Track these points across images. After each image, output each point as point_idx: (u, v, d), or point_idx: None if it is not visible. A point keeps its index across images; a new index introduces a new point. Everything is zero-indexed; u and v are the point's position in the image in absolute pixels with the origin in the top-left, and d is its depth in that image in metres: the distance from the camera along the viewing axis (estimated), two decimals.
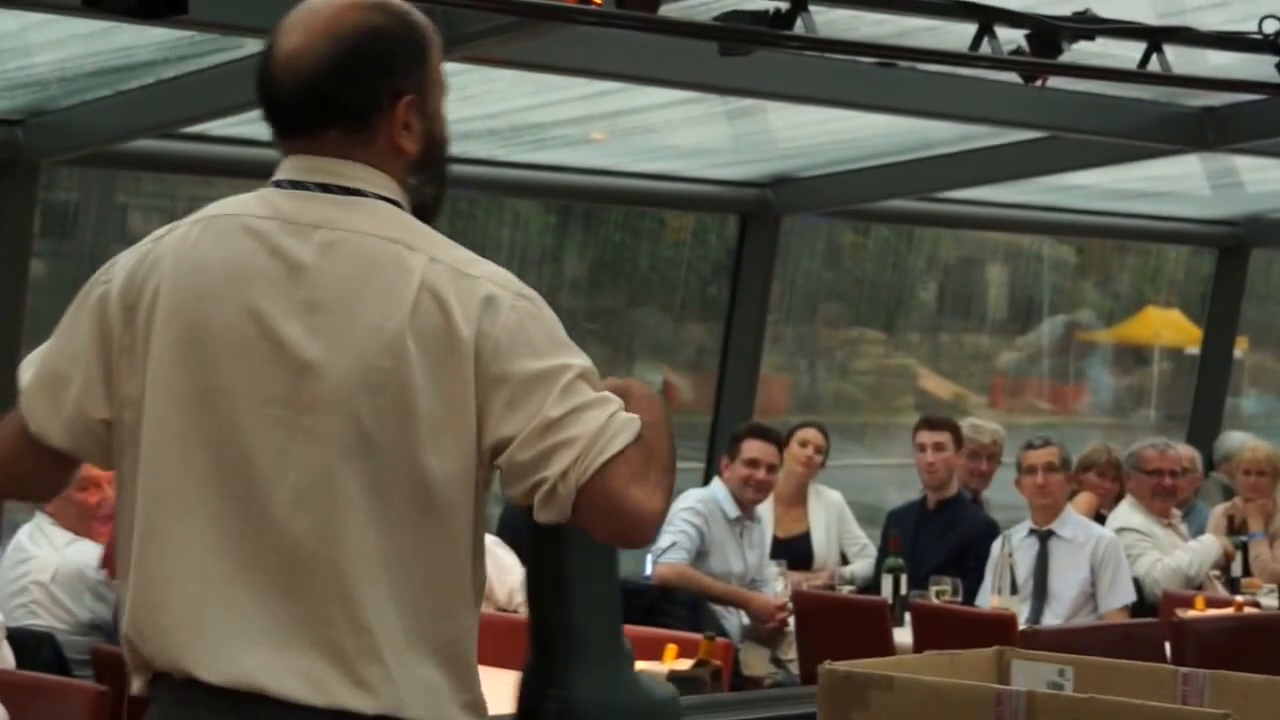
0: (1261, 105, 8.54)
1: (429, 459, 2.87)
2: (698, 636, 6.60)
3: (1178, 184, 11.02)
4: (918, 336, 13.70)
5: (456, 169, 9.39)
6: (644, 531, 2.89)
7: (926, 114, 8.10)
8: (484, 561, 2.98)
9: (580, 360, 2.88)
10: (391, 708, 2.86)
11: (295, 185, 2.98)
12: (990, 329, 14.74)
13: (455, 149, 9.22)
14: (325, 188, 2.97)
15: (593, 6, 5.20)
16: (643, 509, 2.85)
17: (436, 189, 3.04)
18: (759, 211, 10.06)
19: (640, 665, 6.06)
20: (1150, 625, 7.51)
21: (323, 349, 2.87)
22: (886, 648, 7.84)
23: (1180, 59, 6.70)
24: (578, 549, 3.09)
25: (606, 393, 2.89)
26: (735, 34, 5.67)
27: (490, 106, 8.19)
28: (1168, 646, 7.05)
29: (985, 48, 5.89)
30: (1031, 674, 3.63)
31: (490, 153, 9.00)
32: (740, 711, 5.27)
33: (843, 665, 3.50)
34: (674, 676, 5.91)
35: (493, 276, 2.90)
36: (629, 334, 11.61)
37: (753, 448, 8.66)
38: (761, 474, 8.63)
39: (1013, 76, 6.91)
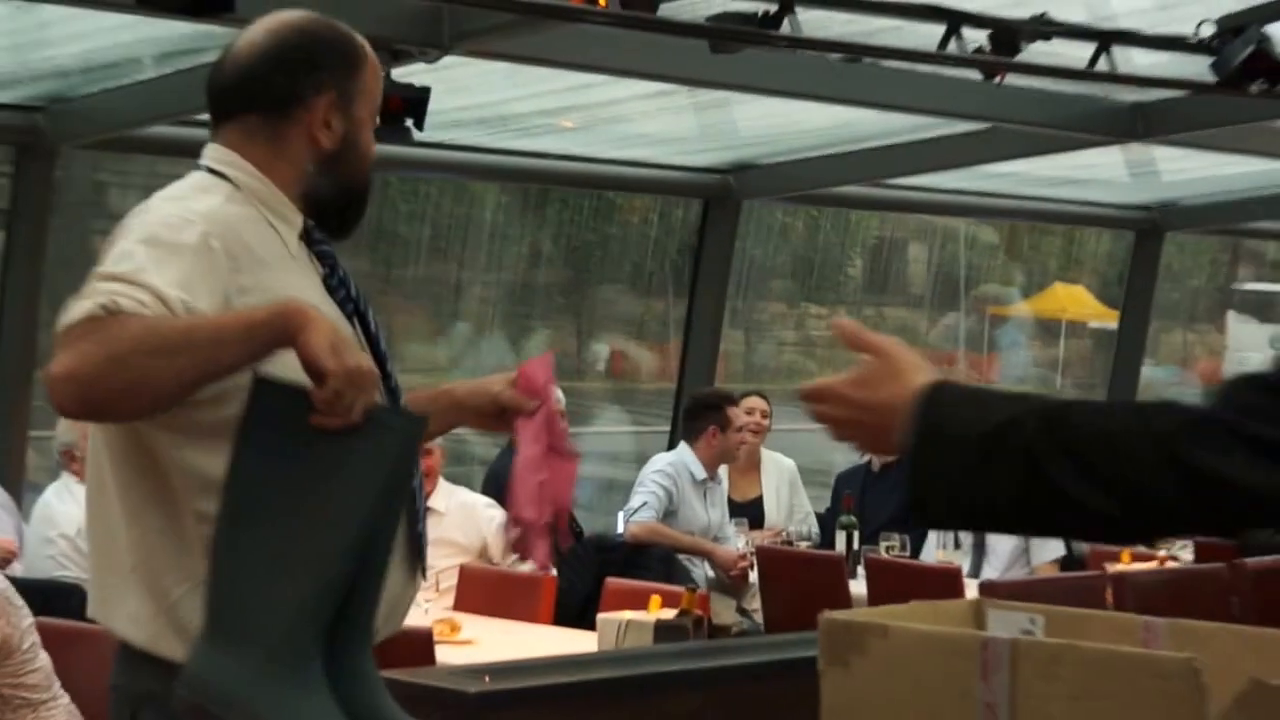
0: (1187, 101, 8.62)
1: None
2: (679, 589, 6.66)
3: (1100, 172, 11.09)
4: (848, 311, 13.77)
5: (447, 154, 9.39)
6: (50, 389, 2.68)
7: (885, 106, 8.15)
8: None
9: (121, 266, 2.74)
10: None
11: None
12: (913, 304, 14.81)
13: (446, 136, 9.20)
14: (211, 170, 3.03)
15: (599, 8, 5.23)
16: (51, 371, 2.66)
17: (335, 191, 3.03)
18: (721, 196, 10.08)
19: (627, 615, 6.18)
20: (1094, 577, 7.58)
21: None
22: (843, 598, 7.92)
23: (1120, 58, 6.79)
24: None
25: (99, 285, 2.71)
26: (727, 34, 5.72)
27: (479, 97, 8.22)
28: (1108, 596, 7.11)
29: (952, 47, 5.95)
30: (1006, 622, 3.60)
31: (477, 140, 9.03)
32: (724, 657, 5.28)
33: (841, 615, 3.51)
34: (661, 625, 5.95)
35: (155, 211, 2.88)
36: (595, 308, 11.64)
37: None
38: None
39: (962, 72, 6.97)
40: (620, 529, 8.76)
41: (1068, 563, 8.67)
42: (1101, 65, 6.31)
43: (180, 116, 7.46)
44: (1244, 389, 2.10)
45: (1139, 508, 2.15)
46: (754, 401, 9.29)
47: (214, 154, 3.04)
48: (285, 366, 2.75)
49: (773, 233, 12.24)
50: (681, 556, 8.56)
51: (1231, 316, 19.05)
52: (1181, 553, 8.73)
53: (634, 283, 11.46)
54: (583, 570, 7.98)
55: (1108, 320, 14.17)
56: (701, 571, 8.64)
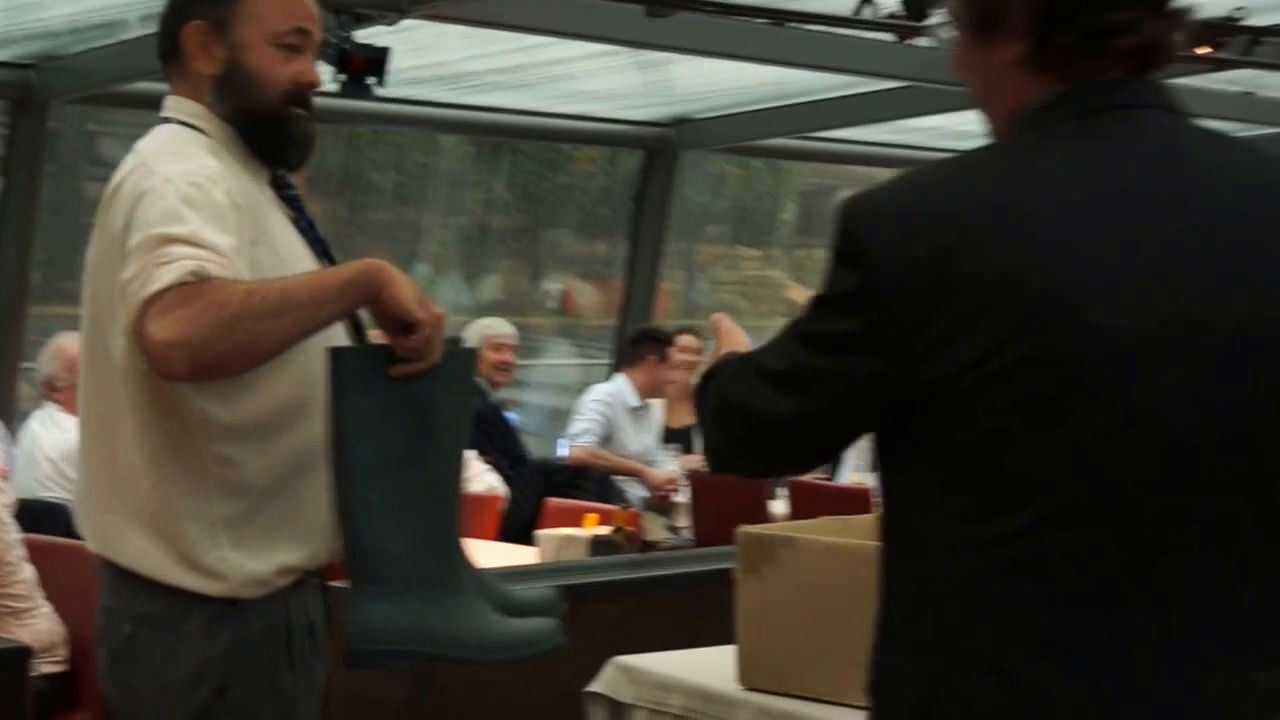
0: None
1: (112, 338, 2.84)
2: (613, 507, 6.75)
3: None
4: (781, 253, 13.82)
5: (409, 109, 9.37)
6: (157, 354, 2.65)
7: (810, 66, 8.17)
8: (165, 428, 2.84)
9: (177, 228, 2.69)
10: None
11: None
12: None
13: (409, 92, 9.16)
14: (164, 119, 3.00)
15: None
16: (155, 336, 2.62)
17: (235, 115, 2.94)
18: (662, 148, 10.13)
19: (566, 531, 6.27)
20: None
21: None
22: (764, 517, 7.99)
23: None
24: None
25: (172, 250, 2.66)
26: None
27: (437, 56, 8.22)
28: None
29: (866, 12, 6.01)
30: None
31: (436, 95, 9.05)
32: (651, 569, 5.39)
33: (755, 528, 3.61)
34: (598, 540, 6.04)
35: (167, 169, 2.80)
36: (544, 250, 11.68)
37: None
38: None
39: (883, 35, 7.02)
40: (562, 453, 8.86)
41: None
42: None
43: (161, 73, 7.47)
44: (783, 329, 2.15)
45: (717, 439, 2.21)
46: (688, 339, 9.36)
47: (171, 105, 3.00)
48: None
49: (712, 181, 12.27)
50: (617, 478, 8.66)
51: None
52: None
53: (580, 227, 11.50)
54: (528, 491, 8.06)
55: None
56: (635, 492, 8.74)
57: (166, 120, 2.99)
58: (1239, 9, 7.38)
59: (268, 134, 2.97)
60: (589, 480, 8.47)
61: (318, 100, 3.05)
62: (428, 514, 2.77)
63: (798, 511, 7.86)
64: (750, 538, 3.53)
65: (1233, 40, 7.24)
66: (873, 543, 3.50)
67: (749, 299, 13.73)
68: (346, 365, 2.76)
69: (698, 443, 9.14)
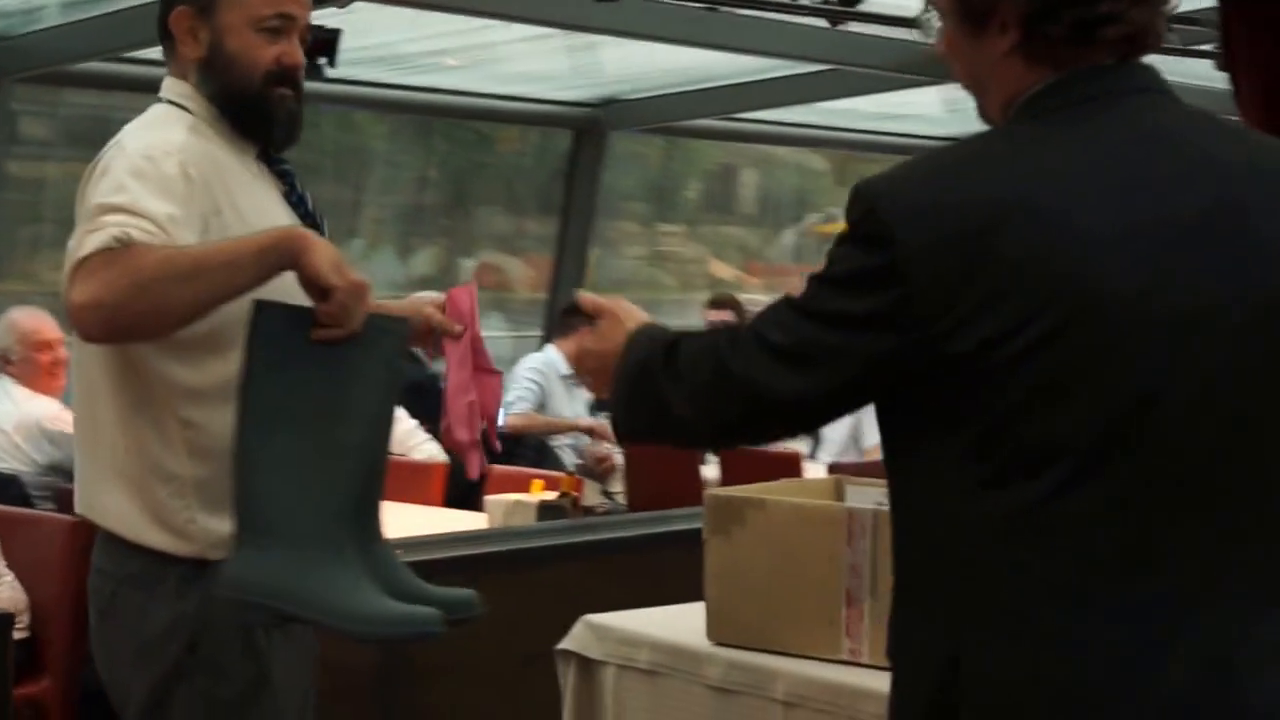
0: None
1: None
2: (557, 474, 6.76)
3: (920, 109, 11.19)
4: (690, 229, 13.87)
5: (349, 89, 9.30)
6: (75, 316, 2.70)
7: (739, 49, 8.19)
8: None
9: (117, 198, 2.75)
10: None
11: None
12: (749, 222, 14.91)
13: (347, 73, 9.06)
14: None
15: None
16: (74, 299, 2.67)
17: (218, 96, 2.98)
18: (590, 128, 10.11)
19: (514, 497, 6.27)
20: None
21: None
22: (696, 482, 8.02)
23: None
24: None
25: (105, 218, 2.70)
26: None
27: (380, 38, 8.20)
28: None
29: None
30: (862, 496, 3.70)
31: (375, 76, 9.02)
32: (605, 531, 5.41)
33: (723, 491, 3.63)
34: (544, 505, 6.05)
35: (131, 144, 2.86)
36: (474, 227, 11.65)
37: None
38: None
39: (807, 19, 7.04)
40: (500, 420, 8.84)
41: None
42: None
43: (112, 53, 7.42)
44: (779, 304, 2.17)
45: (706, 412, 2.20)
46: None
47: (165, 86, 3.06)
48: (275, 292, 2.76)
49: (627, 161, 12.29)
50: (554, 445, 8.67)
51: None
52: None
53: (510, 204, 11.48)
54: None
55: None
56: (569, 458, 8.76)
57: (160, 100, 3.05)
58: None
59: (251, 114, 3.01)
60: (526, 447, 8.49)
61: None
62: (325, 479, 2.74)
63: (728, 476, 7.89)
64: (720, 500, 3.56)
65: None
66: (840, 504, 3.58)
67: (665, 272, 13.78)
68: (268, 319, 2.76)
69: None
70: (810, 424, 2.22)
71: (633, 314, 2.48)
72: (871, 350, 2.05)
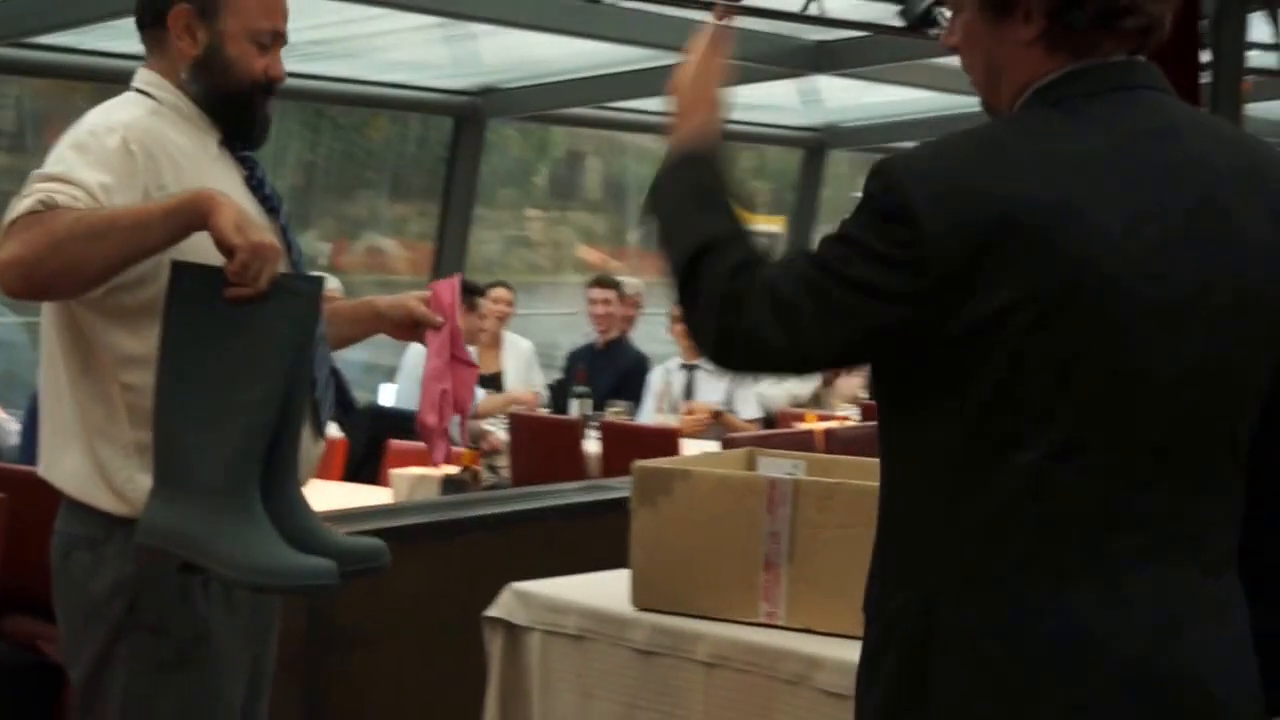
0: (860, 40, 8.78)
1: None
2: (459, 449, 6.67)
3: (778, 99, 11.25)
4: (541, 212, 13.87)
5: None
6: None
7: (615, 40, 8.16)
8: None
9: (53, 168, 2.77)
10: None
11: None
12: (591, 208, 14.94)
13: None
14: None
15: None
16: None
17: (208, 96, 2.99)
18: (470, 116, 10.04)
19: (418, 471, 6.18)
20: (806, 433, 7.66)
21: None
22: (579, 456, 7.98)
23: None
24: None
25: (36, 186, 2.72)
26: None
27: None
28: (820, 446, 7.22)
29: None
30: (774, 466, 3.67)
31: None
32: (497, 505, 5.36)
33: (650, 463, 3.58)
34: (448, 479, 5.99)
35: (83, 123, 2.88)
36: (358, 210, 11.56)
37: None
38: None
39: (677, 11, 7.01)
40: (386, 399, 8.76)
41: (766, 423, 8.83)
42: (812, 9, 6.44)
43: (19, 40, 7.25)
44: (805, 265, 2.10)
45: (768, 333, 2.10)
46: (499, 292, 9.30)
47: (139, 75, 3.05)
48: (200, 252, 2.75)
49: (489, 149, 12.26)
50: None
51: None
52: (853, 415, 8.94)
53: (393, 189, 11.39)
54: (358, 434, 7.96)
55: (775, 224, 14.39)
56: (453, 433, 8.67)
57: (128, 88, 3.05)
58: None
59: (237, 116, 3.03)
60: (414, 423, 8.38)
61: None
62: (234, 434, 2.73)
63: (609, 451, 7.85)
64: (647, 471, 3.52)
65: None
66: (761, 475, 3.54)
67: (538, 256, 13.75)
68: (184, 279, 2.76)
69: (513, 386, 9.01)
70: (818, 367, 2.23)
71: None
72: (883, 319, 2.04)
